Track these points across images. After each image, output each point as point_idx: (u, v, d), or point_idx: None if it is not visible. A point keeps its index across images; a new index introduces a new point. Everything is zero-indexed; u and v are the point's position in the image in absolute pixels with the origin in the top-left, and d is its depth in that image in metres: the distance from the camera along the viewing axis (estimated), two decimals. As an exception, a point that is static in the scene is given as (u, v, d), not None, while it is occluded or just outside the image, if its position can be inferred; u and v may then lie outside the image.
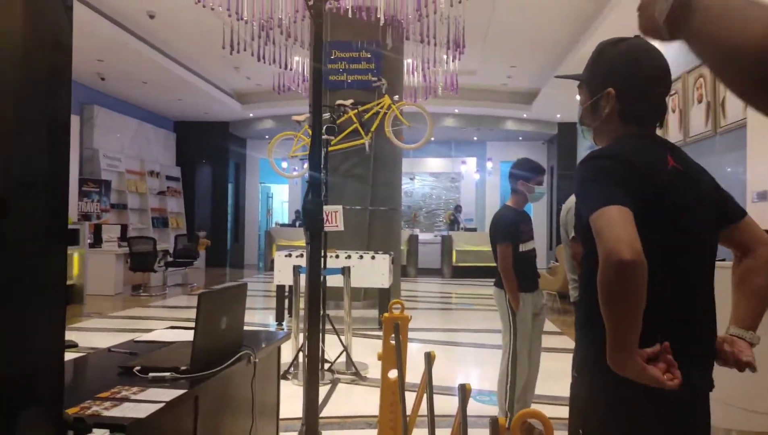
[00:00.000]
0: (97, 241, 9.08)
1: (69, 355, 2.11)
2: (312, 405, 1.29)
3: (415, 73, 9.28)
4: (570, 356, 1.41)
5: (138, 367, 1.72)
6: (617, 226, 1.11)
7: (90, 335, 6.00)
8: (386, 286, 6.24)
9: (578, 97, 1.51)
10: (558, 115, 12.92)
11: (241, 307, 2.03)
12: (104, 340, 5.91)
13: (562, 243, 3.41)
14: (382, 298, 6.48)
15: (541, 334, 3.39)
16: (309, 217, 1.23)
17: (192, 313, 2.08)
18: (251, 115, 13.20)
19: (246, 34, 7.14)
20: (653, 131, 1.40)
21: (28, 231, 1.06)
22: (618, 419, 1.25)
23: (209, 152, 14.04)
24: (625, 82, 1.35)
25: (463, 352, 5.72)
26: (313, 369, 1.31)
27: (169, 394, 1.52)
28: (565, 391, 1.44)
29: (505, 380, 3.21)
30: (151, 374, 1.67)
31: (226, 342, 1.90)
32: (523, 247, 3.22)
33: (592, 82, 1.41)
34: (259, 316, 7.47)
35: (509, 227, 3.19)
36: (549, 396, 3.85)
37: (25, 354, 1.01)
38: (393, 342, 2.18)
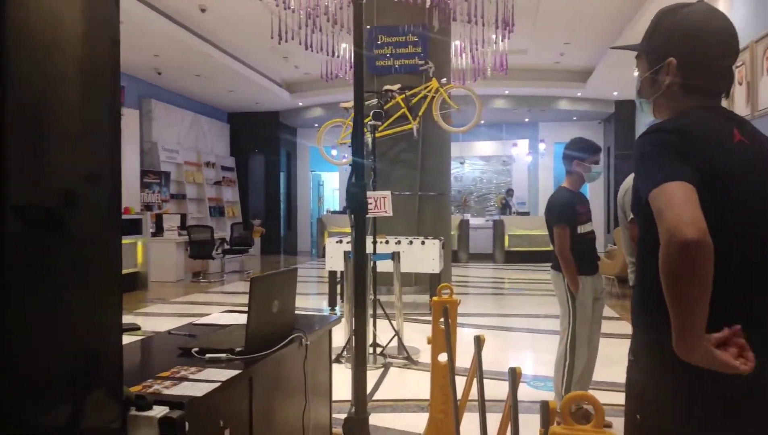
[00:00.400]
0: (158, 230, 9.41)
1: (132, 338, 2.23)
2: (360, 386, 1.30)
3: (463, 55, 9.10)
4: (629, 342, 1.36)
5: (196, 349, 1.79)
6: (680, 204, 1.05)
7: (153, 319, 6.29)
8: (436, 271, 6.22)
9: (636, 71, 1.44)
10: (615, 93, 12.41)
11: (292, 292, 2.07)
12: (166, 324, 6.19)
13: (620, 225, 3.30)
14: (432, 284, 6.47)
15: (601, 318, 3.30)
16: (352, 200, 1.23)
17: (247, 299, 2.14)
18: (300, 103, 13.36)
19: (293, 23, 7.20)
20: (718, 103, 1.31)
21: (91, 221, 1.12)
22: (678, 405, 1.20)
23: (261, 142, 14.35)
24: (686, 51, 1.27)
25: (517, 338, 5.65)
26: (360, 350, 1.32)
27: (225, 374, 1.58)
28: (624, 377, 1.40)
29: (562, 365, 3.14)
30: (208, 355, 1.74)
31: (278, 325, 1.94)
32: (581, 229, 3.13)
33: (651, 52, 1.34)
34: (312, 302, 7.62)
35: (565, 209, 3.11)
36: (608, 382, 3.76)
37: (87, 335, 1.07)
38: (442, 326, 2.17)
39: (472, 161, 15.44)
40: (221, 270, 10.14)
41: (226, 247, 10.27)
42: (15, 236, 0.93)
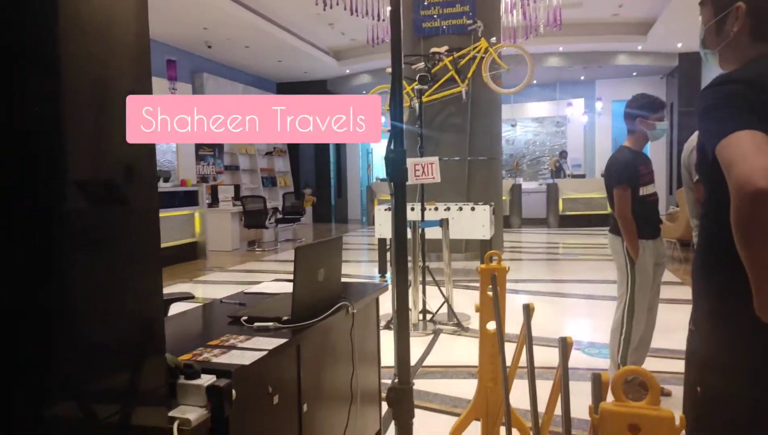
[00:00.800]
0: (214, 201, 9.71)
1: (188, 305, 2.30)
2: (403, 355, 1.28)
3: (514, 12, 8.76)
4: (690, 309, 1.28)
5: (245, 317, 1.83)
6: (751, 153, 0.96)
7: (211, 287, 6.54)
8: (487, 237, 6.13)
9: (701, 18, 1.32)
10: (679, 45, 11.64)
11: (338, 260, 2.07)
12: (223, 291, 6.42)
13: (684, 186, 3.11)
14: (483, 250, 6.38)
15: (660, 285, 3.16)
16: (391, 166, 1.18)
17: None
18: (348, 71, 13.27)
19: None
20: (791, 51, 1.19)
21: (146, 195, 1.14)
22: (746, 371, 1.12)
23: None
24: None
25: (572, 304, 5.53)
26: (403, 319, 1.30)
27: (272, 343, 1.60)
28: (684, 345, 1.32)
29: (618, 332, 3.04)
30: (256, 324, 1.77)
31: (324, 294, 1.95)
32: (643, 191, 2.97)
33: None
34: (363, 269, 7.70)
35: (627, 169, 2.95)
36: (667, 350, 3.63)
37: (133, 306, 1.10)
38: (491, 294, 2.13)
39: (524, 123, 14.99)
40: (275, 239, 10.36)
41: (279, 216, 10.44)
42: (77, 211, 0.97)
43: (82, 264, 0.98)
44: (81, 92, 0.99)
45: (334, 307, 1.90)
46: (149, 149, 1.12)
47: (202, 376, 1.29)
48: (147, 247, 1.14)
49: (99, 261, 1.02)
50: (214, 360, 1.45)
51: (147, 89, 1.16)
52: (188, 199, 8.48)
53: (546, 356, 3.07)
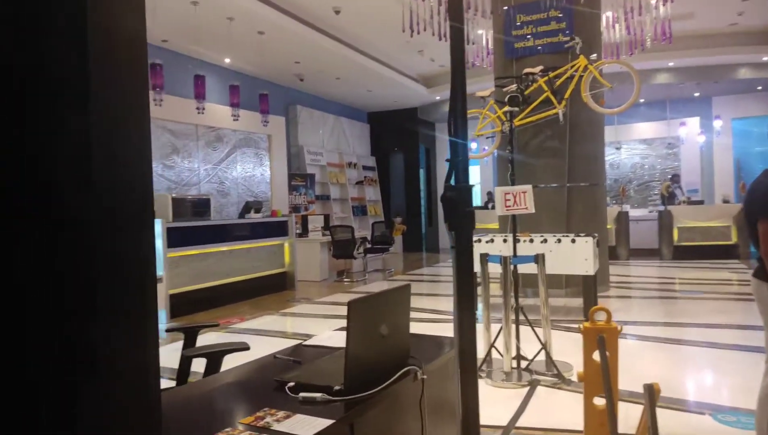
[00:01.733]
0: (304, 231, 9.82)
1: (241, 358, 2.06)
2: (470, 411, 0.92)
3: (617, 26, 8.13)
4: None
5: (291, 383, 1.54)
6: None
7: (298, 320, 6.42)
8: (590, 272, 5.50)
9: None
10: (814, 53, 10.26)
11: (405, 313, 1.74)
12: (307, 325, 6.27)
13: None
14: (586, 286, 5.76)
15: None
16: (448, 206, 0.90)
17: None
18: (438, 97, 13.11)
19: (425, 13, 6.92)
20: None
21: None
22: None
23: (401, 139, 14.35)
24: None
25: (693, 353, 4.73)
26: (470, 367, 0.95)
27: (316, 425, 1.29)
28: None
29: None
30: (301, 394, 1.47)
31: (387, 355, 1.62)
32: None
33: None
34: (452, 304, 7.26)
35: None
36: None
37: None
38: (597, 358, 1.69)
39: (631, 145, 13.89)
40: (363, 269, 10.21)
41: (368, 245, 10.30)
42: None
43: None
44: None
45: (397, 374, 1.56)
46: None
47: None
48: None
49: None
50: (238, 451, 1.16)
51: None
52: (278, 229, 8.57)
53: (666, 422, 2.50)
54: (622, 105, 6.01)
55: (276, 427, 1.28)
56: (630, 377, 3.28)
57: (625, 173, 13.91)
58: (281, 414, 1.36)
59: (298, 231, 9.44)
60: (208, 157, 9.40)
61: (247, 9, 7.29)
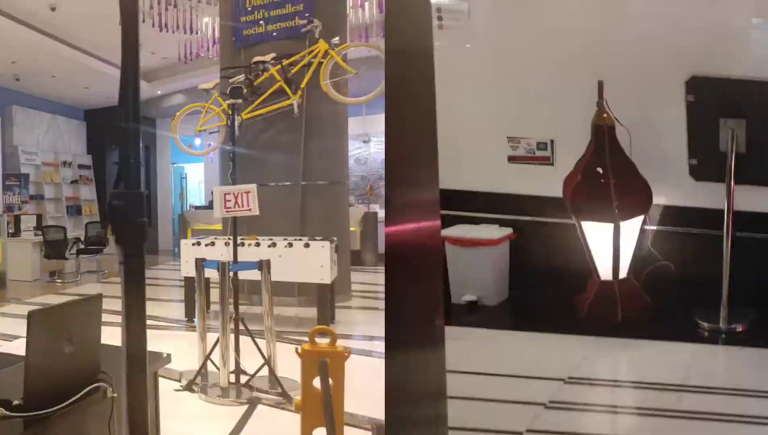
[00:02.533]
0: (17, 231, 11.56)
1: None
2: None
3: (366, 5, 8.66)
4: None
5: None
6: None
7: (8, 321, 6.48)
8: (326, 281, 6.24)
9: None
10: None
11: (96, 325, 2.03)
12: (18, 326, 5.90)
13: None
14: (321, 296, 6.44)
15: None
16: (114, 216, 1.01)
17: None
18: (159, 92, 14.10)
19: (143, 4, 7.11)
20: None
21: None
22: None
23: (119, 137, 14.65)
24: None
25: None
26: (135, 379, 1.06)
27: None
28: None
29: None
30: (-25, 411, 1.67)
31: (74, 370, 1.90)
32: None
33: None
34: (169, 310, 7.47)
35: None
36: None
37: None
38: (318, 385, 1.82)
39: (382, 138, 15.55)
40: (76, 270, 11.40)
41: (81, 246, 11.45)
42: None
43: None
44: None
45: (82, 392, 1.84)
46: None
47: None
48: None
49: None
50: None
51: None
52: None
53: None
54: (370, 93, 6.48)
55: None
56: (369, 401, 3.51)
57: (375, 169, 15.49)
58: (-56, 437, 1.55)
59: (11, 230, 11.21)
60: None
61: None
